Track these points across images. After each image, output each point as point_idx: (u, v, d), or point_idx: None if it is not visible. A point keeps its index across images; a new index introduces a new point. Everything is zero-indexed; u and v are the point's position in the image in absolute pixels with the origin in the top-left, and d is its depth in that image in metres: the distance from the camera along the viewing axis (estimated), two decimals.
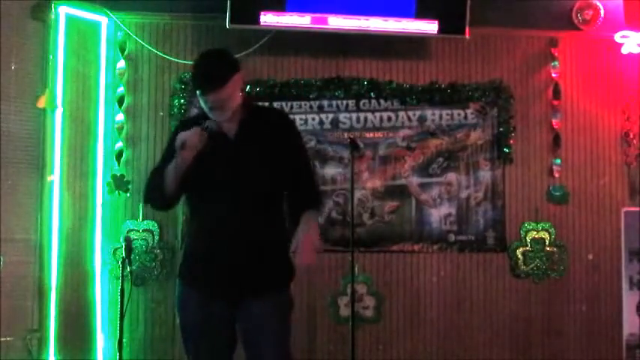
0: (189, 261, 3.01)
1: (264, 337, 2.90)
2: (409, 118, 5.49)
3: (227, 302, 2.88)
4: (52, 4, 4.99)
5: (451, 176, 5.49)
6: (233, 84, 2.84)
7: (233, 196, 2.85)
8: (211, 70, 2.85)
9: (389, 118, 5.48)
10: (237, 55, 5.01)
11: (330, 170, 5.38)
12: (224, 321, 2.92)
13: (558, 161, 5.55)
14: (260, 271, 2.88)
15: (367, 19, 5.23)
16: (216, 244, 2.86)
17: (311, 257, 2.78)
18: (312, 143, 5.37)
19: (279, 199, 2.98)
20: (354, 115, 5.46)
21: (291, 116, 5.31)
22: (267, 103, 5.31)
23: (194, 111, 5.26)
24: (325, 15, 5.19)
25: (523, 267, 5.46)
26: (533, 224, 5.49)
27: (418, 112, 5.50)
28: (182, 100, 5.26)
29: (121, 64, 5.28)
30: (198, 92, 2.86)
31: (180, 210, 5.19)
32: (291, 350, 2.98)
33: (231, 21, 5.06)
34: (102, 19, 5.23)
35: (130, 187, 5.21)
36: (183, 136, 2.78)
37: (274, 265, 2.93)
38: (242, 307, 2.89)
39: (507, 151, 5.50)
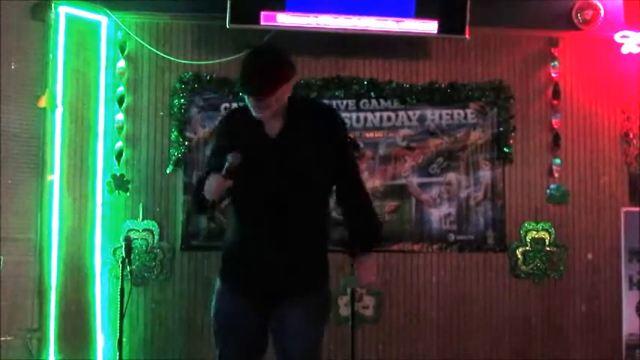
0: (228, 261, 2.95)
1: (293, 338, 2.87)
2: (409, 118, 5.50)
3: (262, 303, 2.86)
4: (52, 4, 4.99)
5: (451, 176, 5.49)
6: (282, 90, 2.71)
7: (274, 197, 2.79)
8: (262, 75, 2.67)
9: (389, 118, 5.49)
10: (236, 56, 5.11)
11: None
12: (256, 322, 2.89)
13: (558, 161, 5.55)
14: (299, 274, 2.85)
15: (367, 19, 5.23)
16: (255, 245, 2.82)
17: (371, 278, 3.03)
18: None
19: (322, 200, 2.93)
20: (354, 115, 5.46)
21: None
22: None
23: (194, 110, 5.29)
24: (325, 15, 5.20)
25: (523, 267, 5.46)
26: (533, 224, 5.49)
27: (418, 112, 5.50)
28: (182, 100, 5.26)
29: (121, 63, 5.27)
30: (255, 101, 2.73)
31: (180, 210, 5.21)
32: (321, 355, 2.95)
33: (231, 21, 5.06)
34: (102, 19, 5.23)
35: (129, 186, 5.21)
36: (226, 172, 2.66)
37: (312, 268, 2.92)
38: (277, 309, 2.87)
39: (507, 150, 5.50)
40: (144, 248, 5.17)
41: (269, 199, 2.79)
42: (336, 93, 5.42)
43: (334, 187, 2.95)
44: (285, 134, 2.80)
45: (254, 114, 2.76)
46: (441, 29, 5.27)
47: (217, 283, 2.98)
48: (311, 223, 2.88)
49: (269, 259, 2.81)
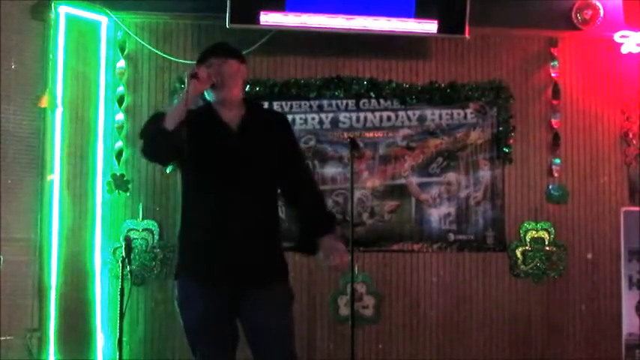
0: (187, 253, 3.01)
1: (270, 331, 2.91)
2: (409, 118, 5.50)
3: (230, 295, 2.89)
4: (52, 4, 5.00)
5: (451, 176, 5.49)
6: (240, 66, 3.01)
7: (234, 186, 2.88)
8: (227, 45, 3.10)
9: (389, 118, 5.49)
10: None
11: (330, 170, 5.38)
12: (227, 315, 2.93)
13: (558, 161, 5.55)
14: (262, 260, 2.91)
15: (367, 19, 5.23)
16: (217, 233, 2.87)
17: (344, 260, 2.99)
18: (312, 143, 5.38)
19: (276, 194, 3.05)
20: (353, 115, 5.47)
21: (291, 116, 5.35)
22: (266, 103, 5.33)
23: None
24: (325, 15, 5.19)
25: (522, 267, 5.47)
26: (532, 224, 5.49)
27: (418, 112, 5.50)
28: None
29: (121, 63, 5.28)
30: (207, 61, 2.95)
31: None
32: (295, 344, 2.99)
33: (231, 21, 5.06)
34: (102, 19, 5.23)
35: (129, 186, 5.22)
36: (192, 70, 2.89)
37: (275, 256, 2.98)
38: (246, 301, 2.90)
39: (507, 150, 5.50)
40: (144, 248, 5.18)
41: (233, 189, 2.88)
42: (336, 93, 5.42)
43: (282, 187, 3.07)
44: (246, 128, 2.97)
45: (213, 96, 2.94)
46: (440, 29, 5.27)
47: (179, 281, 3.00)
48: (271, 213, 3.01)
49: (232, 246, 2.86)
